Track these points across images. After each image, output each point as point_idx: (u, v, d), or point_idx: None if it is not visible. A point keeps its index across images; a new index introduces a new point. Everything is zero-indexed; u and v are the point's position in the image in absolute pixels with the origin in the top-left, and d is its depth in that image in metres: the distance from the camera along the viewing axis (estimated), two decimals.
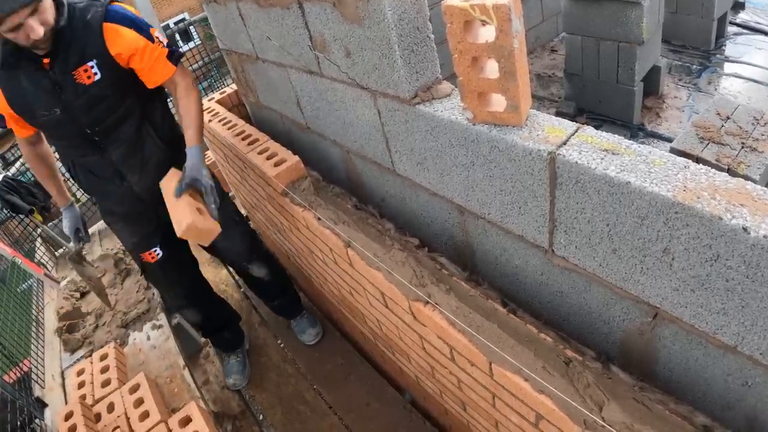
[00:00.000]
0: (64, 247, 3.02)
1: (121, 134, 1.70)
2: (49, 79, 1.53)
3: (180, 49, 1.74)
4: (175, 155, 1.80)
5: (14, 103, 1.58)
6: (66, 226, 1.89)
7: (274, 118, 2.18)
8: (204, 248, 2.18)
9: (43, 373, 2.04)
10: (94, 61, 1.55)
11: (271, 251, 2.51)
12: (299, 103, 1.82)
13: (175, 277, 2.07)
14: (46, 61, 1.51)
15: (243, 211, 3.22)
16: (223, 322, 2.37)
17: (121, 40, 1.56)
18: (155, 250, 1.96)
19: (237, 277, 3.12)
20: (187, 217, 1.51)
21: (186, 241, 2.05)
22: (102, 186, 1.80)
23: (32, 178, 3.69)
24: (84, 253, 2.00)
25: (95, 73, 1.56)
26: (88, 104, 1.60)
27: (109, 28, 1.55)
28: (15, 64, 1.51)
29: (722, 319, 0.81)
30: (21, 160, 5.03)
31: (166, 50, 1.66)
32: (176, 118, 1.85)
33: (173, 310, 2.41)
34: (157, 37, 1.64)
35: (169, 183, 1.66)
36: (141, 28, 1.60)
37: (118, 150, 1.72)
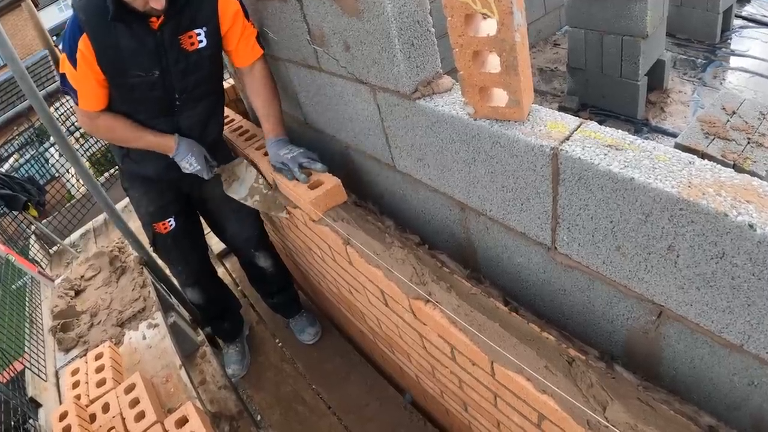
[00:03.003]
0: (58, 245, 3.00)
1: (198, 106, 1.73)
2: (155, 40, 1.50)
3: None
4: (220, 140, 1.94)
5: (105, 59, 1.49)
6: (190, 160, 1.73)
7: None
8: (214, 233, 2.21)
9: (45, 368, 2.02)
10: (204, 29, 1.56)
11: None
12: (297, 98, 1.81)
13: (186, 251, 2.08)
14: (154, 20, 1.47)
15: None
16: (224, 309, 2.39)
17: (229, 11, 1.57)
18: (169, 221, 1.96)
19: (234, 275, 3.10)
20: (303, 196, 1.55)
21: (196, 216, 2.12)
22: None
23: (25, 175, 3.67)
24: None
25: (200, 41, 1.57)
26: (186, 71, 1.60)
27: None
28: (123, 17, 1.43)
29: (728, 318, 0.80)
30: (14, 156, 5.02)
31: (255, 31, 1.66)
32: (249, 104, 1.88)
33: (180, 285, 2.40)
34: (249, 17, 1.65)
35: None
36: (243, 3, 1.61)
37: (189, 120, 1.73)
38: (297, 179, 1.60)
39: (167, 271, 2.50)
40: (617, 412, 0.88)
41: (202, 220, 2.19)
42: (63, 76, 1.57)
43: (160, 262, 2.48)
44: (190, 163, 1.74)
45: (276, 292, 2.42)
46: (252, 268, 2.29)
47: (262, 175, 1.80)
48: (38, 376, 1.96)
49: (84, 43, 1.46)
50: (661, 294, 0.88)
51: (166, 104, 1.66)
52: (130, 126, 1.69)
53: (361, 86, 1.35)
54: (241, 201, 1.82)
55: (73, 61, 1.50)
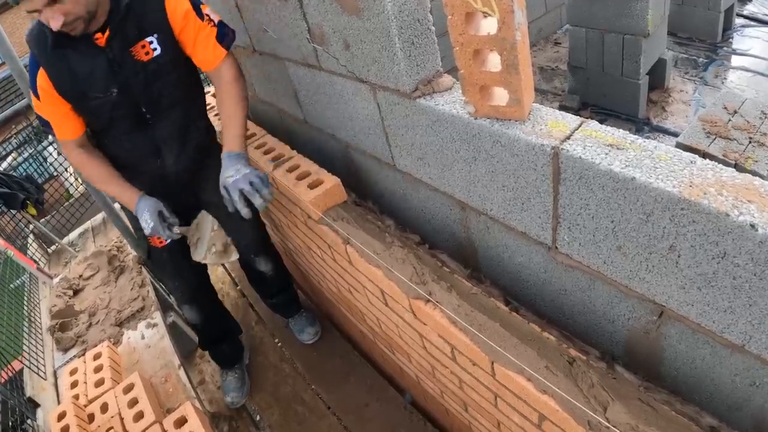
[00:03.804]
0: (57, 244, 2.99)
1: (172, 113, 1.65)
2: (106, 57, 1.45)
3: (230, 31, 1.59)
4: (209, 145, 1.83)
5: (63, 87, 1.46)
6: (147, 218, 1.63)
7: (271, 112, 2.16)
8: None
9: (44, 366, 2.02)
10: (155, 35, 1.48)
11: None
12: (297, 96, 1.80)
13: (182, 265, 2.01)
14: (99, 37, 1.42)
15: None
16: (223, 332, 2.29)
17: (178, 12, 1.48)
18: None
19: (234, 275, 3.10)
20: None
21: None
22: (133, 161, 1.72)
23: (23, 173, 3.66)
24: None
25: (154, 49, 1.49)
26: (147, 82, 1.53)
27: None
28: (65, 43, 1.38)
29: (729, 318, 0.79)
30: (12, 155, 5.01)
31: (215, 30, 1.53)
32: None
33: (177, 302, 2.35)
34: (207, 15, 1.53)
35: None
36: (195, 1, 1.52)
37: (166, 129, 1.67)
38: (239, 211, 1.49)
39: None
40: (618, 413, 0.88)
41: None
42: (37, 115, 1.55)
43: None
44: (145, 220, 1.64)
45: (276, 293, 2.40)
46: (251, 270, 2.26)
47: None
48: (37, 374, 1.95)
49: (42, 77, 1.44)
50: (662, 294, 0.88)
51: (136, 119, 1.61)
52: (100, 169, 1.64)
53: (361, 85, 1.34)
54: (201, 261, 1.72)
55: (37, 95, 1.48)
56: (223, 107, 1.63)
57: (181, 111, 1.68)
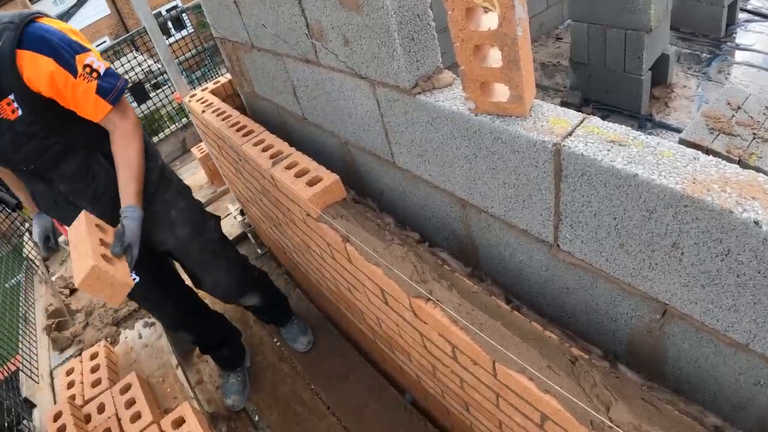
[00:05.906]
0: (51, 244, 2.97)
1: (66, 169, 1.54)
2: None
3: (118, 81, 1.45)
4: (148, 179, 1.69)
5: None
6: (35, 233, 1.70)
7: (269, 108, 2.14)
8: (192, 284, 2.06)
9: (37, 369, 2.00)
10: (12, 95, 1.35)
11: (263, 270, 2.42)
12: (296, 93, 1.78)
13: (158, 301, 1.94)
14: None
15: (237, 206, 3.18)
16: (219, 341, 2.24)
17: (36, 71, 1.32)
18: (131, 276, 1.78)
19: None
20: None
21: (165, 263, 1.95)
22: (56, 209, 1.68)
23: None
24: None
25: (17, 107, 1.36)
26: (15, 142, 1.41)
27: (23, 55, 1.31)
28: None
29: (733, 316, 0.78)
30: None
31: (95, 84, 1.38)
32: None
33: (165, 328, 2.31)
34: (89, 66, 1.38)
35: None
36: (61, 55, 1.34)
37: (64, 183, 1.58)
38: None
39: None
40: (621, 413, 0.87)
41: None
42: None
43: None
44: (35, 233, 1.69)
45: (265, 311, 2.37)
46: None
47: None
48: (31, 377, 1.94)
49: None
50: (665, 292, 0.87)
51: (28, 173, 1.54)
52: (10, 180, 1.73)
53: (361, 81, 1.33)
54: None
55: None
56: (115, 161, 1.54)
57: (77, 165, 1.57)
